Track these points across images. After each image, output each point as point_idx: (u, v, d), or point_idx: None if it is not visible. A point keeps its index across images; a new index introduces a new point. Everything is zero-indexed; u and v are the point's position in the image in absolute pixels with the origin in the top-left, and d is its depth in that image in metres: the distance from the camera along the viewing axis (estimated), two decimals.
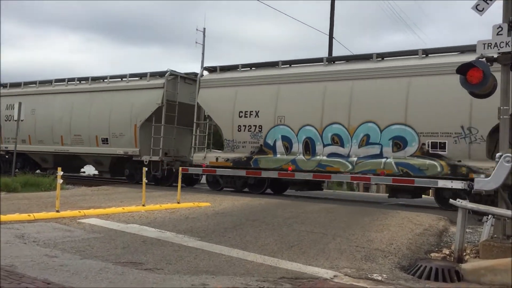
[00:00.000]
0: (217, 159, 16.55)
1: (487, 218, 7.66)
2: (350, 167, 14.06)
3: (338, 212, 10.83)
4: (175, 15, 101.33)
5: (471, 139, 12.58)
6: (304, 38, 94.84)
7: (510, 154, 6.44)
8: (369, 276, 5.72)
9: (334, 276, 5.65)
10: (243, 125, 16.11)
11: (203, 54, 36.73)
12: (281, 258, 6.37)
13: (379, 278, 5.67)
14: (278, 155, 15.38)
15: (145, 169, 11.46)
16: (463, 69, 6.76)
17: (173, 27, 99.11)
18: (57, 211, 9.02)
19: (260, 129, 15.78)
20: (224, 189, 16.76)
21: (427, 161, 13.08)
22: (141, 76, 19.18)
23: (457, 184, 12.44)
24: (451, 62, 12.13)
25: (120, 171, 19.63)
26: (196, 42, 36.63)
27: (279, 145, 15.36)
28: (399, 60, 14.24)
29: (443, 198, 12.79)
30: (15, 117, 18.76)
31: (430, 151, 13.12)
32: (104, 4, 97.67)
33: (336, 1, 24.58)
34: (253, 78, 16.39)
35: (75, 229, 7.92)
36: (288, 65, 16.11)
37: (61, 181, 9.37)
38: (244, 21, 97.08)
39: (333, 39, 24.57)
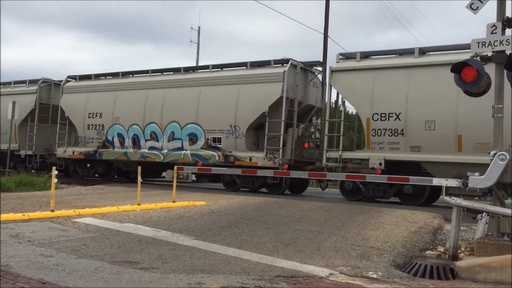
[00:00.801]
0: (73, 152, 20.47)
1: (481, 216, 7.70)
2: (162, 157, 17.63)
3: (334, 210, 10.85)
4: (169, 13, 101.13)
5: (236, 135, 16.17)
6: (301, 36, 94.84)
7: (504, 152, 6.47)
8: (364, 274, 5.73)
9: (330, 274, 5.66)
10: (91, 124, 19.99)
11: (197, 52, 36.82)
12: (277, 257, 6.38)
13: (374, 276, 5.69)
14: (116, 149, 19.10)
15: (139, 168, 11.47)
16: (457, 68, 6.78)
17: (166, 25, 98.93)
18: (52, 211, 8.99)
19: (102, 128, 19.62)
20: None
21: (210, 152, 16.63)
22: (21, 82, 23.12)
23: (452, 182, 12.51)
24: (228, 75, 16.88)
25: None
26: (191, 41, 36.71)
27: (116, 140, 19.11)
28: (196, 73, 18.16)
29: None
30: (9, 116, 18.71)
31: (212, 144, 16.73)
32: (97, 3, 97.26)
33: (331, 0, 24.52)
34: (99, 86, 20.27)
35: (70, 228, 7.90)
36: (127, 75, 19.96)
37: (56, 180, 9.33)
38: (239, 19, 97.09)
39: (328, 38, 24.58)
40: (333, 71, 14.88)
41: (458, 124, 12.87)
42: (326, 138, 14.98)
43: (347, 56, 15.25)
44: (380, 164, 13.62)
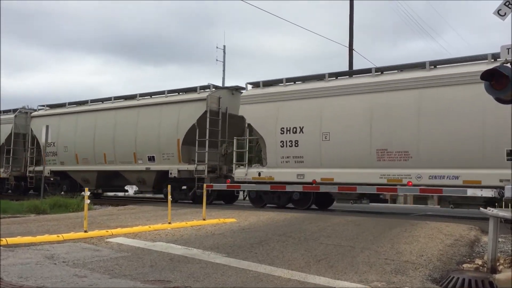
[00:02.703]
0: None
1: None
2: None
3: (366, 224, 10.68)
4: (191, 33, 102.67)
5: None
6: (325, 49, 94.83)
7: None
8: None
9: None
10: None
11: (223, 71, 37.20)
12: (309, 273, 6.30)
13: None
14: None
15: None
16: (487, 75, 6.64)
17: (189, 45, 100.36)
18: (85, 231, 9.13)
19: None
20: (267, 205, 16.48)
21: None
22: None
23: (487, 193, 12.19)
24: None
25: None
26: (217, 60, 37.16)
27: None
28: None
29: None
30: (43, 140, 19.24)
31: None
32: (118, 26, 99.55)
33: (355, 12, 24.51)
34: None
35: (103, 248, 8.00)
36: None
37: (89, 201, 9.50)
38: (262, 36, 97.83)
39: (353, 51, 24.52)
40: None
41: None
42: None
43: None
44: None
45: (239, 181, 16.63)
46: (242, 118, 16.89)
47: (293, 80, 16.36)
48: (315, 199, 15.78)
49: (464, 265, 7.11)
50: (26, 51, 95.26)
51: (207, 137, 17.41)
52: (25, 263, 6.62)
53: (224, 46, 37.70)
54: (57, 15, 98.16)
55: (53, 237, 8.64)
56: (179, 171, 18.01)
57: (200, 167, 17.49)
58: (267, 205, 16.43)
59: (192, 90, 18.67)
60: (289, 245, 8.20)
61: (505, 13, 6.85)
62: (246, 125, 16.70)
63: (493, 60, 12.46)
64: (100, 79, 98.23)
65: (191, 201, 18.03)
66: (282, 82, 16.34)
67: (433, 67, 13.78)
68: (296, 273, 6.27)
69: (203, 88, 18.40)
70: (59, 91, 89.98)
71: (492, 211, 6.49)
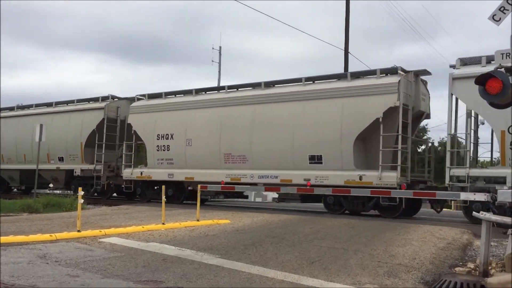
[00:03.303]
0: None
1: None
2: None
3: (359, 227, 10.70)
4: (186, 34, 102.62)
5: None
6: (321, 53, 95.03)
7: None
8: None
9: None
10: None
11: (219, 72, 37.27)
12: (302, 275, 6.30)
13: None
14: None
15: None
16: (481, 80, 6.68)
17: (185, 46, 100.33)
18: (78, 231, 9.10)
19: None
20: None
21: None
22: None
23: (480, 197, 12.25)
24: None
25: None
26: (212, 61, 37.21)
27: None
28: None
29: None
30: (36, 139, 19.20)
31: None
32: (114, 26, 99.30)
33: (351, 16, 24.54)
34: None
35: (96, 248, 7.97)
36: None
37: (82, 201, 9.47)
38: (257, 38, 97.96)
39: (349, 54, 24.55)
40: None
41: None
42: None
43: None
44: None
45: (126, 179, 19.43)
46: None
47: (171, 93, 19.16)
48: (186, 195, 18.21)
49: (457, 269, 7.14)
50: (20, 50, 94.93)
51: (103, 140, 20.19)
52: (17, 262, 6.59)
53: (220, 47, 37.76)
54: (51, 14, 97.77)
55: (46, 237, 8.60)
56: (82, 170, 20.90)
57: (98, 167, 20.26)
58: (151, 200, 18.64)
59: (95, 100, 21.49)
60: (282, 247, 8.20)
61: (500, 18, 6.90)
62: (133, 132, 19.40)
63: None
64: (94, 78, 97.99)
65: (96, 195, 20.92)
66: (161, 96, 19.19)
67: (270, 86, 16.48)
68: (290, 275, 6.27)
69: (104, 98, 21.05)
70: (50, 89, 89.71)
71: (485, 215, 6.52)
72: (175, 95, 19.05)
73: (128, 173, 19.30)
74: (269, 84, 16.58)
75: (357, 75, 15.20)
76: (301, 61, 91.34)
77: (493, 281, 5.88)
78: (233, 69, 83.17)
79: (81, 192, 9.39)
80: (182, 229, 10.24)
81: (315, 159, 14.89)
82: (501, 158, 12.32)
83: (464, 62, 13.50)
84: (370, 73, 15.05)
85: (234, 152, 16.51)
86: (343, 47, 24.52)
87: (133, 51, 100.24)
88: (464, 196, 12.57)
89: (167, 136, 18.24)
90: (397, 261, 7.22)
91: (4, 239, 8.14)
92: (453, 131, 13.55)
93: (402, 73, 14.16)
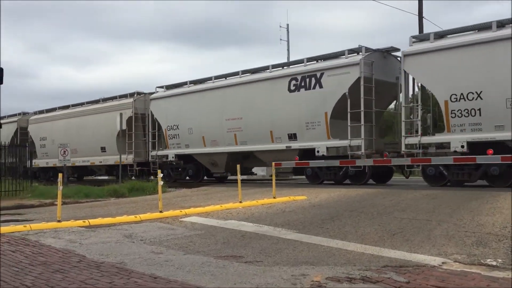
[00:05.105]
0: None
1: None
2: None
3: (442, 197, 10.21)
4: (249, 15, 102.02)
5: None
6: (392, 21, 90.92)
7: None
8: (482, 261, 5.29)
9: (443, 263, 5.30)
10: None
11: (288, 50, 36.84)
12: (383, 247, 6.11)
13: (494, 263, 5.22)
14: None
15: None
16: None
17: (248, 27, 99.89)
18: (161, 212, 9.47)
19: None
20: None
21: None
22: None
23: None
24: None
25: None
26: (281, 39, 36.85)
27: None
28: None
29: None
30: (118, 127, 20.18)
31: None
32: (177, 13, 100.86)
33: None
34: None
35: (178, 227, 8.25)
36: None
37: (162, 183, 9.81)
38: (322, 12, 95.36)
39: (423, 19, 23.30)
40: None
41: None
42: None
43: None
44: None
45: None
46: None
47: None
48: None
49: None
50: (92, 45, 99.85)
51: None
52: (105, 242, 6.97)
53: (288, 24, 37.26)
54: (117, 7, 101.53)
55: (131, 218, 9.04)
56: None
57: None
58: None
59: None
60: (361, 220, 8.01)
61: None
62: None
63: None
64: (163, 67, 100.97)
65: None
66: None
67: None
68: (370, 247, 6.11)
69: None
70: (127, 81, 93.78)
71: None
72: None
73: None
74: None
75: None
76: (374, 32, 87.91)
77: None
78: (302, 46, 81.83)
79: (160, 175, 9.74)
80: (259, 206, 10.33)
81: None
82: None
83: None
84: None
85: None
86: (417, 12, 23.33)
87: (197, 38, 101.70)
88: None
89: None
90: (486, 230, 6.80)
91: (93, 221, 8.68)
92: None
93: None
